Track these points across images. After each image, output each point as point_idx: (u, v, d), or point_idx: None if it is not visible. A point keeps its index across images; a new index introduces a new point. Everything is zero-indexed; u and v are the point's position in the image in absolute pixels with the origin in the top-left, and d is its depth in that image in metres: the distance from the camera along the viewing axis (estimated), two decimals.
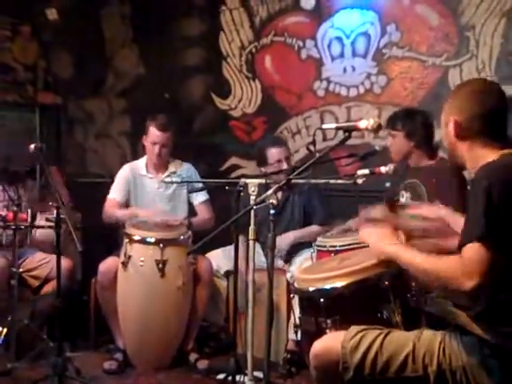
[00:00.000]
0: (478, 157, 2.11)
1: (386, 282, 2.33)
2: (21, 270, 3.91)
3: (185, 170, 4.43)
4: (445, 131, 2.22)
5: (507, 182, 1.95)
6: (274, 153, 4.18)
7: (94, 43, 5.93)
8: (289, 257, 4.16)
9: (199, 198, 4.40)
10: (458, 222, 2.34)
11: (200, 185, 4.42)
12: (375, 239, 2.30)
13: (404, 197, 3.71)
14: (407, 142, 3.65)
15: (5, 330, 3.62)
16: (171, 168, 4.40)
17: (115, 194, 4.33)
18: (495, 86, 2.23)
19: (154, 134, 4.26)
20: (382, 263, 2.32)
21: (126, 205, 4.33)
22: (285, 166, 4.08)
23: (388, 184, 3.91)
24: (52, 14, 5.54)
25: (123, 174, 4.39)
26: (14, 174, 4.29)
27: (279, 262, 4.14)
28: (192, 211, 4.41)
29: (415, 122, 3.66)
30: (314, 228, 4.17)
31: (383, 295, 2.33)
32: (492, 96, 2.16)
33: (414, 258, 2.10)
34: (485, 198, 1.92)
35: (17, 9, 5.71)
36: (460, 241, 1.97)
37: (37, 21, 5.90)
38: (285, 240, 4.11)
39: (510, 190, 1.94)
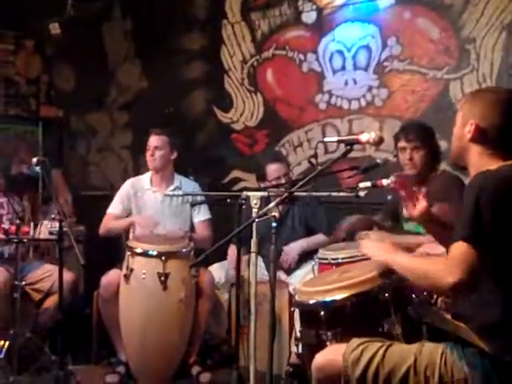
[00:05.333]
0: (483, 163, 2.12)
1: (387, 295, 2.34)
2: (23, 283, 3.91)
3: (191, 187, 4.43)
4: (459, 132, 2.20)
5: (497, 190, 1.98)
6: (273, 169, 4.19)
7: (96, 57, 5.97)
8: (290, 269, 4.16)
9: (201, 216, 4.40)
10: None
11: (201, 199, 4.41)
12: (373, 249, 2.36)
13: None
14: (431, 155, 3.64)
15: (7, 343, 3.61)
16: (176, 182, 4.41)
17: (112, 208, 4.37)
18: None
19: (149, 140, 4.35)
20: (382, 275, 2.33)
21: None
22: (288, 183, 4.07)
23: (390, 197, 3.91)
24: (55, 28, 5.57)
25: (123, 189, 4.42)
26: (16, 182, 4.29)
27: (282, 275, 4.14)
28: (192, 229, 4.41)
29: (433, 135, 3.67)
30: (321, 237, 4.17)
31: (384, 308, 2.33)
32: None
33: (405, 260, 2.17)
34: (474, 202, 1.96)
35: (20, 23, 5.77)
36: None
37: (40, 35, 5.95)
38: (294, 249, 4.11)
39: (498, 198, 1.97)
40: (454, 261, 1.95)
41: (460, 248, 1.96)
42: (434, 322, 2.25)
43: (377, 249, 2.34)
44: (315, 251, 3.82)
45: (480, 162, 2.14)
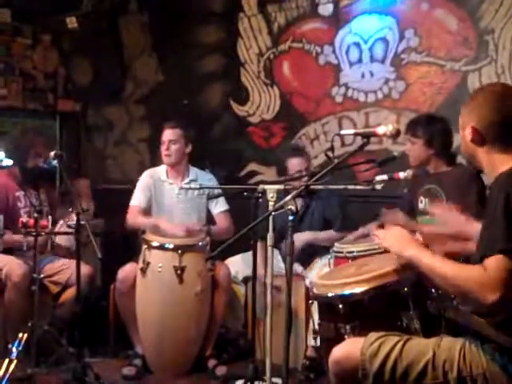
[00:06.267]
0: (496, 162, 2.10)
1: (406, 289, 2.32)
2: (41, 275, 3.93)
3: (206, 179, 4.39)
4: (462, 135, 2.22)
5: None
6: (294, 163, 4.18)
7: (113, 51, 5.97)
8: (306, 262, 4.15)
9: (219, 207, 4.37)
10: (473, 227, 2.33)
11: (219, 192, 4.39)
12: (394, 241, 2.27)
13: (423, 202, 3.69)
14: (426, 149, 3.62)
15: (25, 335, 3.64)
16: (192, 175, 4.39)
17: (137, 200, 4.30)
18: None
19: (163, 135, 4.31)
20: (401, 269, 2.31)
21: (149, 210, 4.33)
22: (305, 177, 4.06)
23: (406, 190, 3.90)
24: (71, 22, 5.59)
25: (144, 180, 4.38)
26: (32, 175, 4.30)
27: (298, 268, 4.14)
28: (211, 221, 4.38)
29: (435, 130, 3.63)
30: (331, 233, 4.16)
31: (402, 302, 2.32)
32: (509, 101, 2.13)
33: (436, 263, 2.06)
34: (504, 209, 1.91)
35: (37, 18, 5.79)
36: (481, 251, 1.95)
37: (57, 29, 5.97)
38: (300, 237, 4.07)
39: None
40: (494, 277, 1.88)
41: (500, 261, 1.88)
42: (454, 316, 2.23)
43: (398, 241, 2.25)
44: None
45: (491, 159, 2.12)
